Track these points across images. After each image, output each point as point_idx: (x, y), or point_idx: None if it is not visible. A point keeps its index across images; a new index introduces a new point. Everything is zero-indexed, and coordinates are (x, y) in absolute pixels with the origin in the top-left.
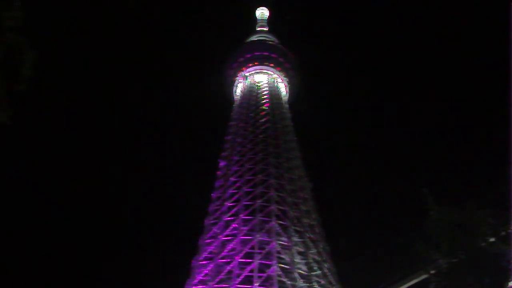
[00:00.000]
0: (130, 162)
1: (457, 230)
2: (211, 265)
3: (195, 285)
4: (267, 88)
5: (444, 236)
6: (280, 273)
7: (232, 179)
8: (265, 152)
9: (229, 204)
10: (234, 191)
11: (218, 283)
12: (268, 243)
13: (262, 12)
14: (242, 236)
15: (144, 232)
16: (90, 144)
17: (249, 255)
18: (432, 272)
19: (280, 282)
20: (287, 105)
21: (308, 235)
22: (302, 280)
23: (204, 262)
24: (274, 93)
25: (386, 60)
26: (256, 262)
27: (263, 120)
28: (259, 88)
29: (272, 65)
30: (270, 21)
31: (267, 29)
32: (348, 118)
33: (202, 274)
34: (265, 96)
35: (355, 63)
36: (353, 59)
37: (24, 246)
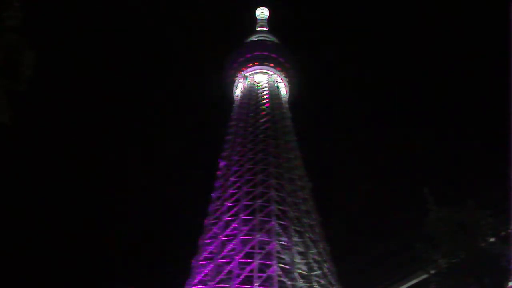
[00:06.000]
0: (130, 162)
1: (457, 230)
2: (211, 265)
3: (195, 285)
4: (267, 88)
5: (444, 236)
6: (280, 273)
7: (232, 179)
8: (265, 152)
9: (229, 204)
10: (234, 191)
11: (218, 283)
12: (268, 243)
13: (262, 12)
14: (242, 236)
15: (144, 232)
16: (90, 144)
17: (249, 255)
18: (432, 272)
19: (280, 282)
20: (287, 105)
21: (308, 235)
22: (302, 280)
23: (204, 262)
24: (274, 93)
25: (386, 60)
26: (256, 262)
27: (263, 120)
28: (259, 88)
29: (272, 65)
30: (270, 21)
31: (267, 29)
32: (348, 118)
33: (202, 274)
34: (265, 96)
35: (355, 62)
36: (353, 58)
37: (24, 246)
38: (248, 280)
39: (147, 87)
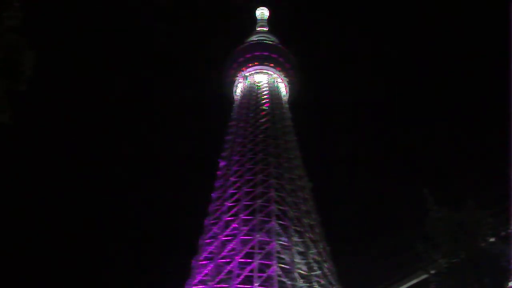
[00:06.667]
0: (130, 162)
1: (457, 230)
2: (211, 265)
3: (195, 285)
4: (267, 88)
5: (444, 236)
6: (280, 273)
7: (232, 179)
8: (265, 152)
9: (229, 204)
10: (234, 191)
11: (218, 283)
12: (268, 243)
13: (262, 12)
14: (242, 236)
15: (144, 232)
16: (90, 144)
17: (249, 255)
18: (432, 272)
19: (280, 282)
20: (287, 105)
21: (308, 235)
22: (302, 280)
23: (204, 262)
24: (274, 93)
25: (386, 59)
26: (256, 262)
27: (263, 120)
28: (259, 88)
29: (272, 65)
30: (270, 21)
31: (267, 29)
32: (348, 118)
33: (202, 274)
34: (265, 96)
35: (355, 62)
36: (353, 58)
37: (24, 246)
38: (248, 280)
39: (147, 87)
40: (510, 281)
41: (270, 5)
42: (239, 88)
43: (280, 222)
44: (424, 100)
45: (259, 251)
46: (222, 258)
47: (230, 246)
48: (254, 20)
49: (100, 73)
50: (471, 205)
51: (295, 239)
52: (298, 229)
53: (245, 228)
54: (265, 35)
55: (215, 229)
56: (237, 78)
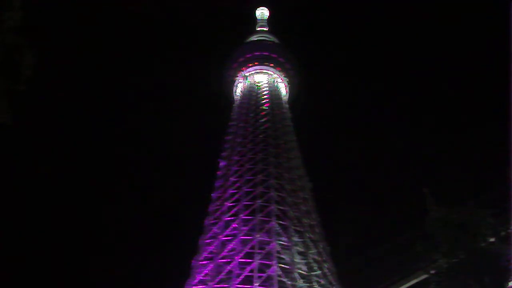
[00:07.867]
0: (130, 161)
1: (457, 230)
2: (211, 265)
3: (195, 285)
4: (267, 88)
5: (444, 236)
6: (280, 273)
7: (232, 179)
8: (265, 152)
9: (229, 204)
10: (234, 191)
11: (218, 283)
12: (268, 243)
13: (262, 12)
14: (242, 236)
15: (144, 232)
16: (90, 143)
17: (249, 255)
18: (432, 272)
19: (280, 282)
20: (287, 105)
21: (308, 235)
22: (302, 280)
23: (204, 262)
24: (274, 93)
25: (386, 60)
26: (256, 262)
27: (263, 120)
28: (259, 88)
29: (272, 65)
30: (270, 21)
31: (267, 29)
32: (348, 118)
33: (202, 274)
34: (265, 96)
35: (355, 62)
36: (353, 58)
37: (24, 247)
38: (248, 280)
39: (147, 87)
40: (510, 281)
41: (270, 5)
42: (239, 88)
43: (280, 222)
44: (424, 99)
45: (259, 251)
46: (222, 258)
47: (230, 246)
48: (254, 20)
49: (100, 73)
50: (471, 205)
51: (295, 239)
52: (298, 229)
53: (245, 228)
54: (265, 35)
55: (215, 229)
56: (237, 78)
